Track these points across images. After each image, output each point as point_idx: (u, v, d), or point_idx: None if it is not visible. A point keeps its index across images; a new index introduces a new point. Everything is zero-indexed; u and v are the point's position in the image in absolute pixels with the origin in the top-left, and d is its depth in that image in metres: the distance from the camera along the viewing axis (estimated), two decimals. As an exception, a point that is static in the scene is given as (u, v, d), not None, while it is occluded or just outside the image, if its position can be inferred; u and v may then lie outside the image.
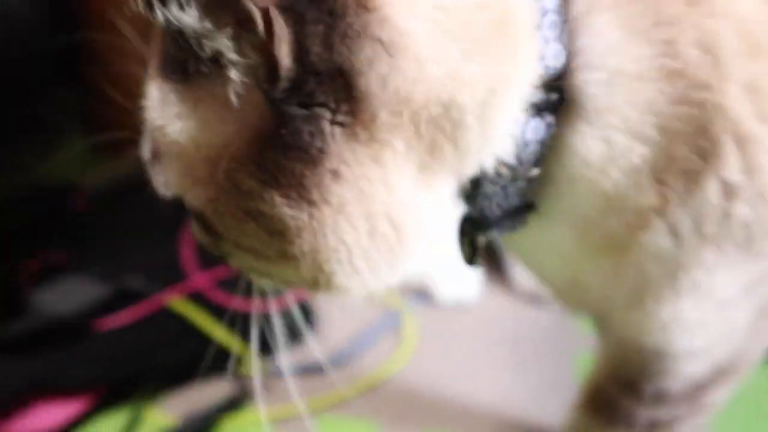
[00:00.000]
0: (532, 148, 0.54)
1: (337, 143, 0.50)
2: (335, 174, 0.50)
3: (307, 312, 1.08)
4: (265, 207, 0.51)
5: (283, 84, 0.48)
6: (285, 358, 0.93)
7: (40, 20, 1.31)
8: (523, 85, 0.53)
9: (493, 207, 0.58)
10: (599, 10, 0.53)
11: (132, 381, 1.02)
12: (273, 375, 0.96)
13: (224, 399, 1.02)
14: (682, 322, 0.61)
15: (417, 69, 0.49)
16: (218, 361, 0.90)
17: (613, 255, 0.59)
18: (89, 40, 0.99)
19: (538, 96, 0.53)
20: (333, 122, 0.49)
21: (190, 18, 0.47)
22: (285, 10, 0.47)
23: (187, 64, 0.51)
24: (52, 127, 1.27)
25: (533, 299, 1.19)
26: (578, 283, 0.64)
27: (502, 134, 0.53)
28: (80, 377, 1.00)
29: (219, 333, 1.01)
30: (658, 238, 0.56)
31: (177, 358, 1.04)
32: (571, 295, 0.68)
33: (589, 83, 0.53)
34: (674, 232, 0.56)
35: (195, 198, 0.54)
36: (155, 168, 0.56)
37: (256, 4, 0.46)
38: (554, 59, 0.53)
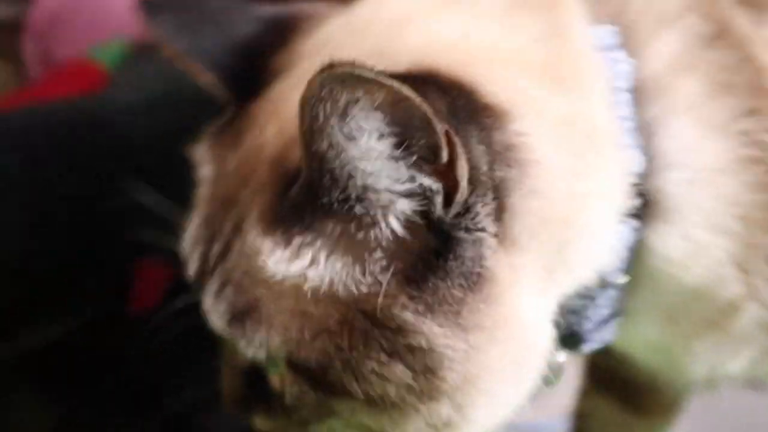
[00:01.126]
0: (622, 256, 0.54)
1: (491, 267, 0.49)
2: (488, 298, 0.49)
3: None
4: (420, 340, 0.49)
5: (455, 209, 0.48)
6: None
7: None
8: (616, 196, 0.53)
9: (583, 321, 0.57)
10: (675, 112, 0.54)
11: None
12: None
13: None
14: None
15: (549, 186, 0.50)
16: None
17: (711, 334, 0.59)
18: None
19: (626, 203, 0.54)
20: (490, 246, 0.49)
21: (376, 156, 0.47)
22: (455, 130, 0.46)
23: (311, 211, 0.49)
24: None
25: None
26: (677, 363, 0.64)
27: (602, 249, 0.54)
28: None
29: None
30: (755, 315, 0.56)
31: None
32: (671, 374, 0.68)
33: (670, 183, 0.54)
34: None
35: (315, 352, 0.50)
36: (244, 328, 0.52)
37: (442, 128, 0.45)
38: (635, 165, 0.54)
